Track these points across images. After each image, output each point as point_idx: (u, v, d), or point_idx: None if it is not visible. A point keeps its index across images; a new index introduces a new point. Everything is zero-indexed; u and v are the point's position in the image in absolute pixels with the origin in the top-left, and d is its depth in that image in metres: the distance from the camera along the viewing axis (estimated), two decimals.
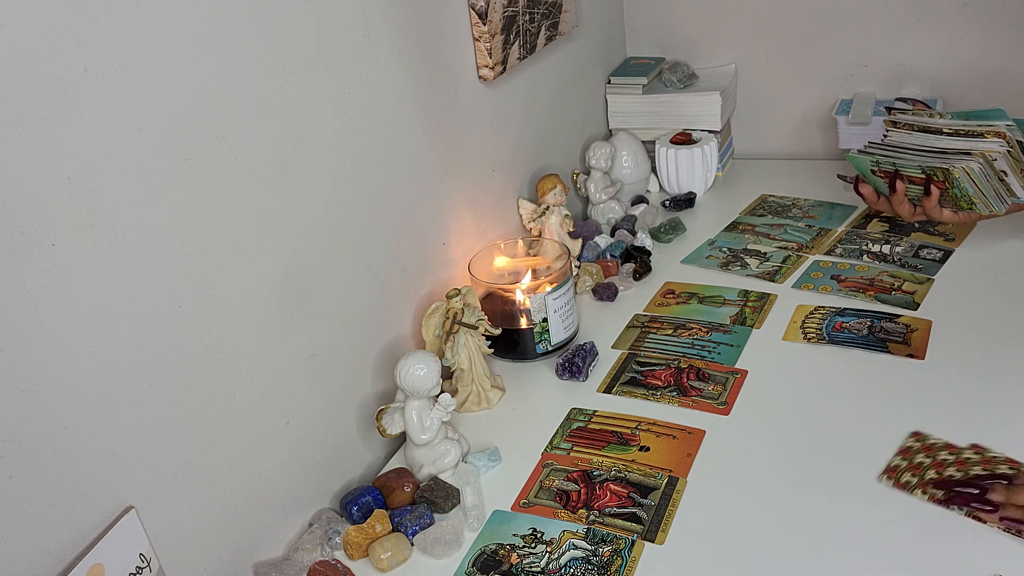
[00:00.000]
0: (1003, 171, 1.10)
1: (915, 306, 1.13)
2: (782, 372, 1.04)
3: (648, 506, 0.87)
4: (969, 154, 1.11)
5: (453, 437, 0.96)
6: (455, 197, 1.14)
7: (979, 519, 0.80)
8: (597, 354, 1.10)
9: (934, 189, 1.13)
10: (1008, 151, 1.10)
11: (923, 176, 1.14)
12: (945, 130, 1.17)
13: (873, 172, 1.20)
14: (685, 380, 1.05)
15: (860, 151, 1.23)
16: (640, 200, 1.50)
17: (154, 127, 0.69)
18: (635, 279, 1.28)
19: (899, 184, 1.17)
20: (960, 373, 0.99)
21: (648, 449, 0.95)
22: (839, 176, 1.33)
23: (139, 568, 0.69)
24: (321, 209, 0.90)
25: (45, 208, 0.61)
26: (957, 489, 0.82)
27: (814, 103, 1.59)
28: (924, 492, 0.83)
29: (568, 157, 1.47)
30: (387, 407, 0.96)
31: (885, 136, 1.24)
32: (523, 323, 1.10)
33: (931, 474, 0.85)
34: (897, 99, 1.46)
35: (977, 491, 0.81)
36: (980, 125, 1.15)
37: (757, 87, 1.63)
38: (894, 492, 0.84)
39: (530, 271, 1.16)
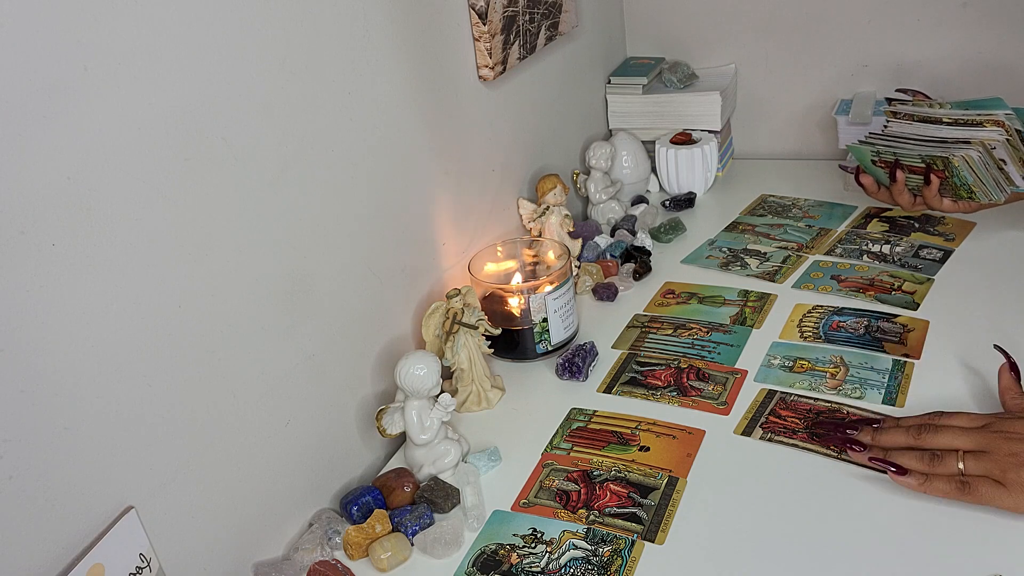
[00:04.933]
0: (1002, 159, 1.11)
1: (915, 306, 1.13)
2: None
3: (648, 506, 0.87)
4: (968, 143, 1.12)
5: (453, 437, 0.96)
6: (455, 197, 1.14)
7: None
8: (597, 354, 1.10)
9: (934, 178, 1.15)
10: (1007, 139, 1.11)
11: (923, 165, 1.15)
12: (945, 119, 1.19)
13: (874, 162, 1.20)
14: (685, 380, 1.05)
15: (861, 141, 1.24)
16: (640, 200, 1.50)
17: (154, 127, 0.69)
18: (635, 279, 1.28)
19: (899, 174, 1.18)
20: (956, 373, 0.99)
21: (648, 449, 0.95)
22: (840, 166, 1.33)
23: (139, 568, 0.69)
24: (321, 209, 0.90)
25: (45, 208, 0.61)
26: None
27: (814, 103, 1.59)
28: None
29: (568, 157, 1.47)
30: (387, 407, 0.96)
31: (886, 126, 1.25)
32: (516, 309, 1.10)
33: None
34: (897, 89, 1.46)
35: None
36: (979, 114, 1.16)
37: (757, 87, 1.63)
38: (895, 491, 0.84)
39: (517, 273, 1.17)
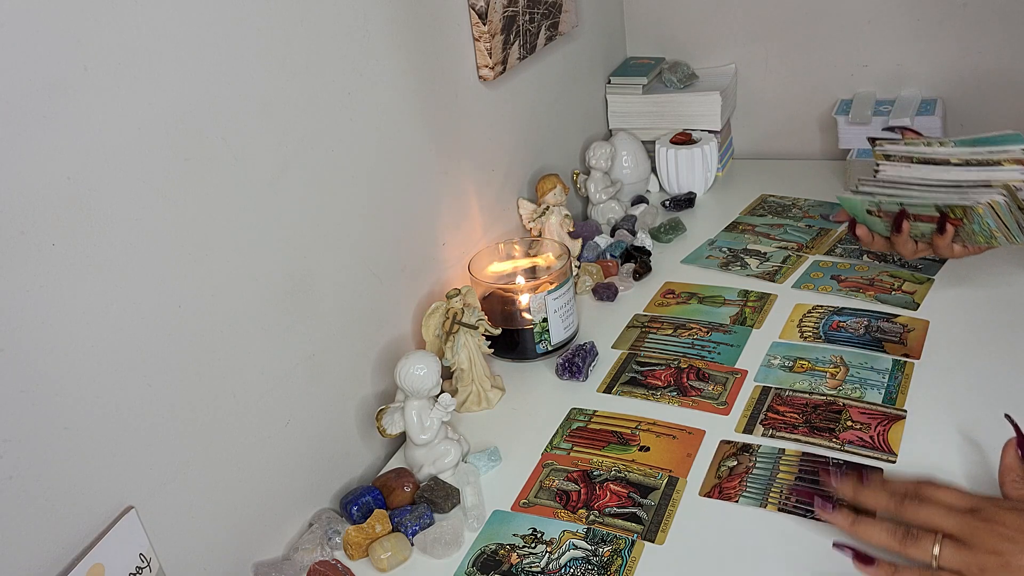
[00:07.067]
0: None
1: (915, 306, 1.13)
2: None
3: (648, 506, 0.87)
4: (989, 185, 1.00)
5: (453, 437, 0.96)
6: (455, 197, 1.14)
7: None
8: (597, 354, 1.10)
9: (949, 227, 1.01)
10: None
11: (937, 214, 1.02)
12: (953, 160, 1.04)
13: (870, 213, 1.07)
14: (685, 380, 1.05)
15: (854, 191, 1.10)
16: (640, 200, 1.50)
17: (154, 127, 0.69)
18: (635, 279, 1.28)
19: (905, 224, 1.04)
20: (956, 373, 0.99)
21: (648, 449, 0.95)
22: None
23: (139, 568, 0.69)
24: (321, 209, 0.90)
25: (45, 208, 0.61)
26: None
27: (814, 103, 1.59)
28: None
29: (568, 157, 1.47)
30: (387, 407, 0.96)
31: (876, 171, 1.10)
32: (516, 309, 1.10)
33: None
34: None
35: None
36: (993, 152, 1.02)
37: (757, 87, 1.63)
38: None
39: (520, 275, 1.17)
